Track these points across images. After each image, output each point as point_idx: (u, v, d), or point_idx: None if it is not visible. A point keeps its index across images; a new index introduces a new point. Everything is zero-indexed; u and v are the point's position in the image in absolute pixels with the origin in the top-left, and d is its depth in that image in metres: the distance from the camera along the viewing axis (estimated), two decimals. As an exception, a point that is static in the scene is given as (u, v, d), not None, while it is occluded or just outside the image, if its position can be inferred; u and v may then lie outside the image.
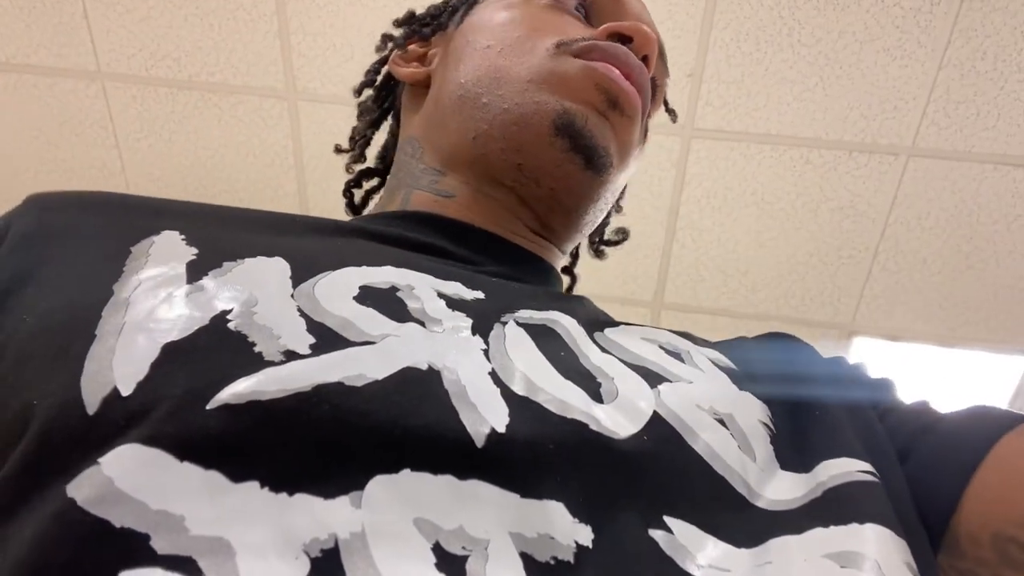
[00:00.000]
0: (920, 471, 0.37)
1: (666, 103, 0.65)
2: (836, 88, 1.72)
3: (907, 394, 0.44)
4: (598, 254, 0.69)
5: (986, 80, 1.66)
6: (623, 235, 0.69)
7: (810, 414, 0.39)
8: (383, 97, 0.64)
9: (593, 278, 0.88)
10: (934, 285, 1.96)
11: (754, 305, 2.06)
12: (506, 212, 0.51)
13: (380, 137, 0.66)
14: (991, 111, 1.70)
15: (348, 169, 0.65)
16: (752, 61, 1.72)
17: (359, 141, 0.65)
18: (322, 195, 2.03)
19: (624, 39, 0.52)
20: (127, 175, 2.06)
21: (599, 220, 0.56)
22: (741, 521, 0.33)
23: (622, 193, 0.67)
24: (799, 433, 0.38)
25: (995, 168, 1.76)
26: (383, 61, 0.63)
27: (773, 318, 2.08)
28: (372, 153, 0.67)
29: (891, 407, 0.42)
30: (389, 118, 0.65)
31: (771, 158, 1.83)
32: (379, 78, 0.64)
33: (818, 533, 0.32)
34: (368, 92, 0.65)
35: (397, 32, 0.62)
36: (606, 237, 0.69)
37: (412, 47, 0.59)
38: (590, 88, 0.48)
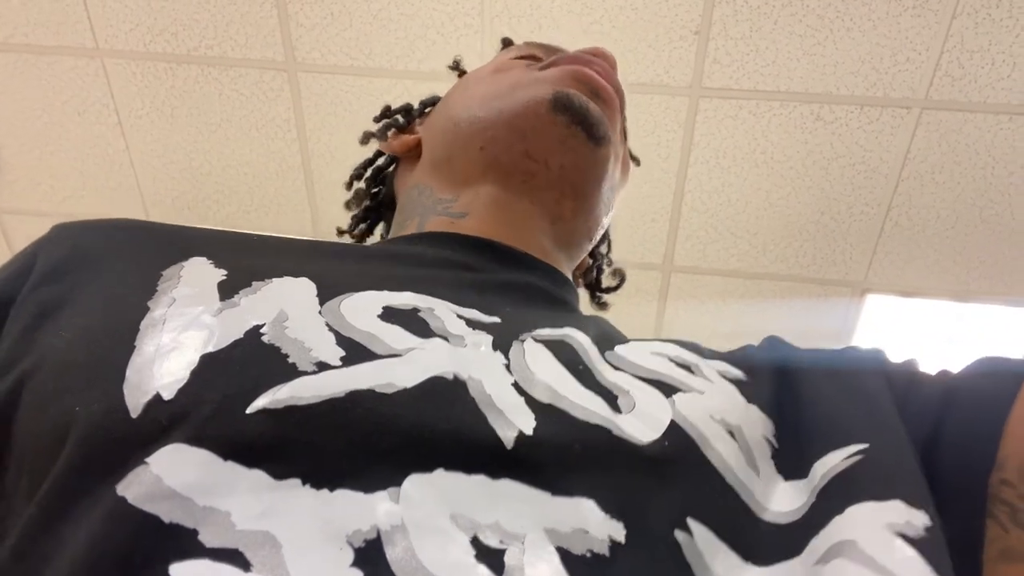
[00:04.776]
0: (955, 437, 0.38)
1: (630, 152, 0.70)
2: (847, 41, 1.68)
3: (919, 362, 0.43)
4: (601, 306, 0.74)
5: (1001, 28, 1.62)
6: (620, 278, 0.74)
7: (805, 417, 0.40)
8: (375, 181, 0.72)
9: (600, 247, 0.88)
10: (948, 240, 1.93)
11: (765, 265, 2.05)
12: (519, 221, 0.53)
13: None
14: (1006, 60, 1.65)
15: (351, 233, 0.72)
16: (760, 16, 1.68)
17: (360, 227, 0.71)
18: (326, 167, 2.02)
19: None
20: (131, 153, 2.05)
21: (602, 222, 0.59)
22: (750, 533, 0.34)
23: (609, 246, 0.73)
24: (798, 440, 0.39)
25: (1010, 119, 1.72)
26: (368, 163, 0.71)
27: (785, 278, 2.06)
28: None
29: (909, 383, 0.42)
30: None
31: (781, 115, 1.80)
32: (367, 172, 0.72)
33: (811, 545, 0.33)
34: (357, 184, 0.72)
35: (376, 127, 0.70)
36: (604, 285, 0.74)
37: (393, 133, 0.68)
38: (569, 80, 0.54)
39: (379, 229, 0.73)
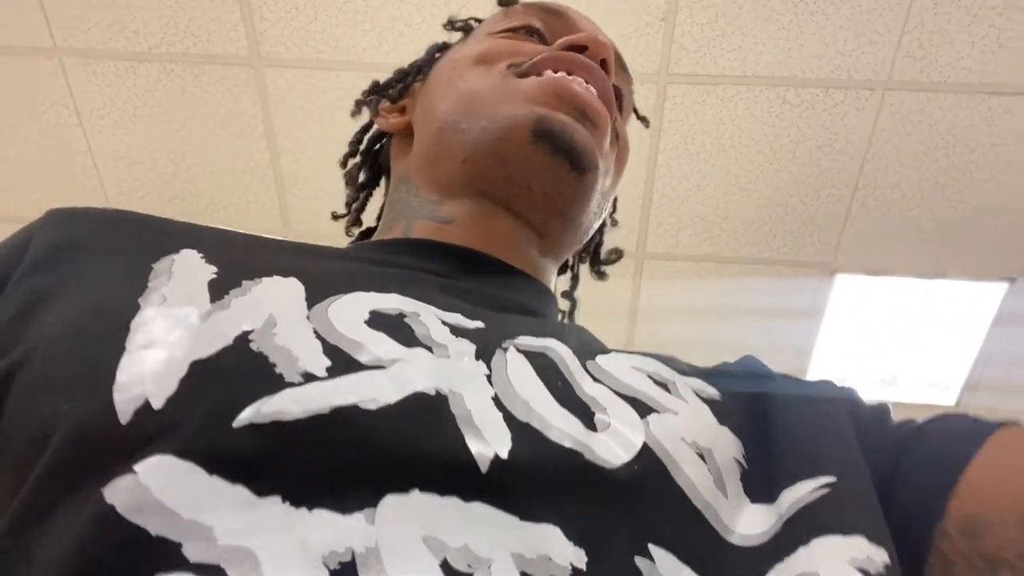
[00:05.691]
0: (909, 481, 0.39)
1: (636, 111, 0.68)
2: (811, 24, 1.70)
3: (889, 409, 0.45)
4: (600, 275, 0.73)
5: (959, 8, 1.65)
6: (617, 255, 0.74)
7: (776, 442, 0.41)
8: (370, 155, 0.69)
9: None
10: (913, 218, 1.97)
11: (736, 249, 2.07)
12: (505, 233, 0.53)
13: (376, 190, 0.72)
14: (965, 40, 1.69)
15: (348, 231, 0.69)
16: (725, 1, 1.69)
17: (354, 205, 0.69)
18: (296, 163, 1.99)
19: (578, 49, 0.55)
20: (94, 154, 2.01)
21: (595, 225, 0.59)
22: (715, 556, 0.34)
23: (614, 206, 0.71)
24: (767, 464, 0.40)
25: (970, 97, 1.76)
26: (364, 130, 0.68)
27: (755, 261, 2.09)
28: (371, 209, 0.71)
29: (874, 422, 0.43)
30: (380, 181, 0.69)
31: (748, 100, 1.82)
32: (362, 145, 0.69)
33: (775, 569, 0.34)
34: (353, 161, 0.69)
35: (368, 98, 0.66)
36: (603, 258, 0.73)
37: (385, 106, 0.64)
38: (553, 99, 0.51)
39: (370, 213, 0.70)
